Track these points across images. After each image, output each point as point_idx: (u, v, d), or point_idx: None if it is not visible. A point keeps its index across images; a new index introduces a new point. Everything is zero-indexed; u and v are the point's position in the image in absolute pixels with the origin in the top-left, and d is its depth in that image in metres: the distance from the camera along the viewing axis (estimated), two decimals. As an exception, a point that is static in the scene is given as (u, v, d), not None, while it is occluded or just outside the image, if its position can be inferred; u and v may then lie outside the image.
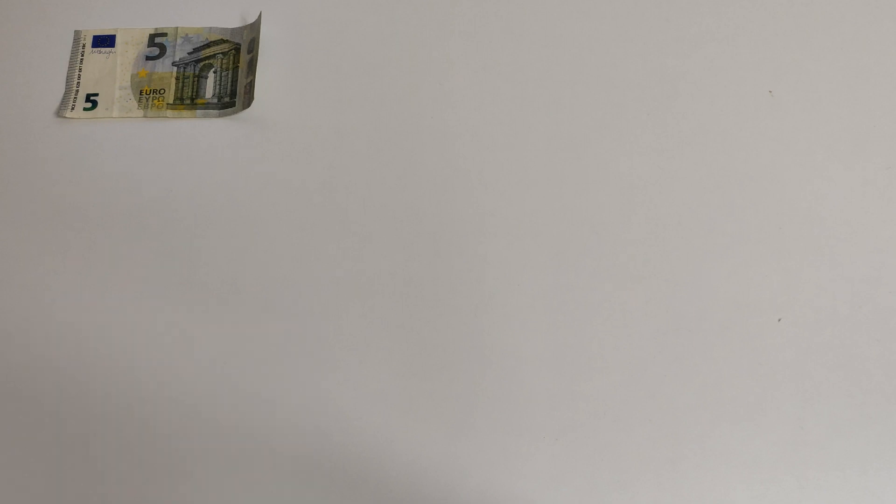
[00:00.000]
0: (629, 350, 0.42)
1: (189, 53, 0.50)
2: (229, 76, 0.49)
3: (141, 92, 0.49)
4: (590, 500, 0.40)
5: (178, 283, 0.44)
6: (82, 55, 0.50)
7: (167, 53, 0.50)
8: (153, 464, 0.41)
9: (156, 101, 0.49)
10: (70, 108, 0.49)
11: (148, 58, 0.50)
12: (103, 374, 0.42)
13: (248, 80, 0.48)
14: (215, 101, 0.49)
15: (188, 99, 0.49)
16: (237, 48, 0.50)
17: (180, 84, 0.49)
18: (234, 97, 0.48)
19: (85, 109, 0.49)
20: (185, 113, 0.48)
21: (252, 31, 0.50)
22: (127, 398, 0.42)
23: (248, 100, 0.48)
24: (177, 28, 0.51)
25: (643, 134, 0.47)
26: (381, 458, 0.40)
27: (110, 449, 0.41)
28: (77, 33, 0.51)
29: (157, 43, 0.50)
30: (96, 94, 0.49)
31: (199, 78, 0.49)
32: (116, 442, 0.41)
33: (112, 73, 0.50)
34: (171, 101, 0.49)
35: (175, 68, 0.50)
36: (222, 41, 0.50)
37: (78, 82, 0.49)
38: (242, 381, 0.42)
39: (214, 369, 0.42)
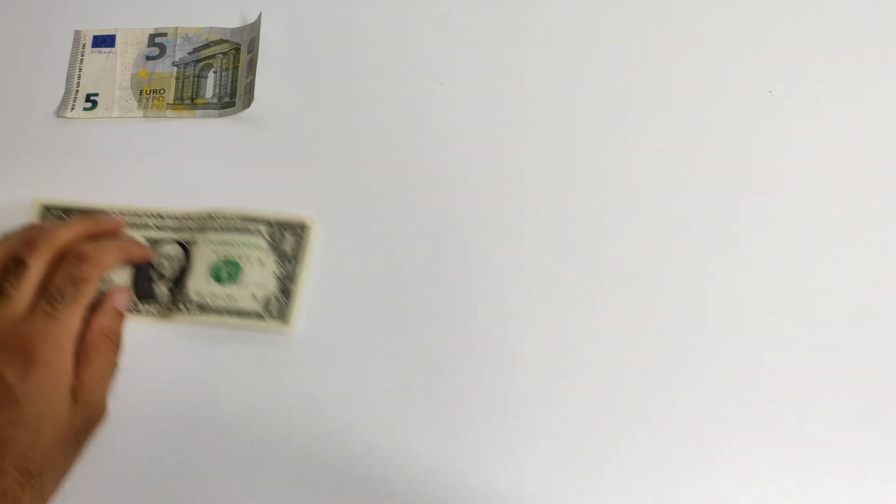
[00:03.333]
0: (629, 350, 0.42)
1: (189, 53, 0.50)
2: (229, 76, 0.49)
3: (141, 92, 0.49)
4: (590, 500, 0.40)
5: (178, 283, 0.44)
6: (82, 55, 0.50)
7: (167, 53, 0.50)
8: (154, 463, 0.41)
9: (156, 101, 0.49)
10: (70, 108, 0.49)
11: (148, 58, 0.50)
12: (103, 374, 0.42)
13: (248, 80, 0.48)
14: (215, 101, 0.49)
15: (188, 99, 0.49)
16: (237, 48, 0.50)
17: (180, 84, 0.49)
18: (234, 97, 0.48)
19: (85, 109, 0.49)
20: (185, 113, 0.48)
21: (252, 31, 0.50)
22: (128, 398, 0.42)
23: (248, 100, 0.48)
24: (177, 28, 0.51)
25: (643, 134, 0.47)
26: (381, 458, 0.40)
27: (109, 449, 0.41)
28: (77, 33, 0.51)
29: (157, 43, 0.50)
30: (96, 94, 0.49)
31: (199, 78, 0.49)
32: (117, 442, 0.41)
33: (112, 73, 0.50)
34: (171, 101, 0.49)
35: (175, 68, 0.50)
36: (222, 41, 0.50)
37: (78, 82, 0.49)
38: (245, 381, 0.42)
39: (216, 369, 0.42)
